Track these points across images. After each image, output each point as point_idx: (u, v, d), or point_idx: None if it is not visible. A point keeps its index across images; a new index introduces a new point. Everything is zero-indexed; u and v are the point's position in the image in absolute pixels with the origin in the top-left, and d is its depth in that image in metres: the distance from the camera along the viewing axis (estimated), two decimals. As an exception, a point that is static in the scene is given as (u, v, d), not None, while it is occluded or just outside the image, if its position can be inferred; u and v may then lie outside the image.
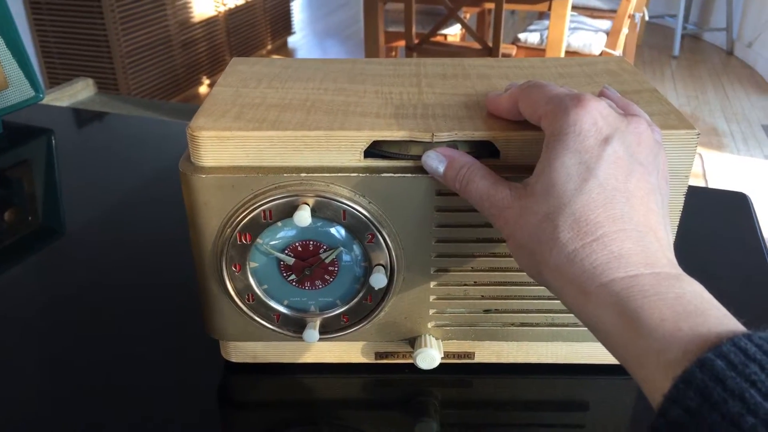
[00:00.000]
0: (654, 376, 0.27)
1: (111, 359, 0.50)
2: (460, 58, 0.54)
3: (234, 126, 0.39)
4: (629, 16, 2.97)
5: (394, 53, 3.11)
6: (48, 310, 0.56)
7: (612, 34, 2.85)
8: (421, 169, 0.39)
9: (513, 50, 2.84)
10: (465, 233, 0.42)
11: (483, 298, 0.44)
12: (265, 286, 0.43)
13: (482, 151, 0.39)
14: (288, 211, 0.39)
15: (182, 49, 3.25)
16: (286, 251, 0.41)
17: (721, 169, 2.71)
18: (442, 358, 0.45)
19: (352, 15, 5.09)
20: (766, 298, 0.56)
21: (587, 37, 2.84)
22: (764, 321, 0.28)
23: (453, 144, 0.39)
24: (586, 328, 0.32)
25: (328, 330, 0.44)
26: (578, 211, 0.32)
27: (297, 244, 0.41)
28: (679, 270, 0.31)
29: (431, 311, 0.44)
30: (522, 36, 2.92)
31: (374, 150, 0.39)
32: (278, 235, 0.41)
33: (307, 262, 0.41)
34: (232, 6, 3.61)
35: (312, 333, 0.43)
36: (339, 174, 0.39)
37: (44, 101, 0.98)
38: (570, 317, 0.44)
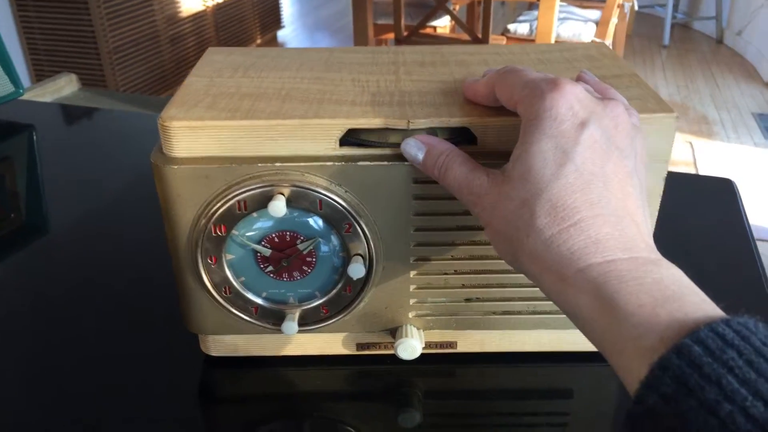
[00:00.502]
0: (632, 363, 0.26)
1: (92, 357, 0.49)
2: (440, 45, 0.54)
3: (207, 116, 0.38)
4: (618, 6, 2.97)
5: (384, 46, 3.10)
6: (29, 308, 0.55)
7: (601, 24, 2.84)
8: (398, 157, 0.38)
9: (503, 41, 2.83)
10: (444, 221, 0.41)
11: (464, 286, 0.43)
12: (243, 279, 0.42)
13: (460, 138, 0.39)
14: (263, 201, 0.38)
15: (170, 45, 3.22)
16: (263, 242, 0.40)
17: (712, 157, 2.71)
18: (424, 348, 0.44)
19: (342, 8, 5.06)
20: (749, 283, 0.56)
21: (576, 27, 2.84)
22: (746, 306, 0.27)
23: (432, 131, 0.38)
24: (566, 316, 0.31)
25: (307, 322, 0.43)
26: (555, 196, 0.31)
27: (273, 235, 0.40)
28: (657, 255, 0.31)
29: (412, 301, 0.44)
30: (512, 27, 2.92)
31: (350, 138, 0.39)
32: (254, 226, 0.40)
33: (284, 254, 0.41)
34: (221, 0, 3.58)
35: (291, 325, 0.42)
36: (314, 163, 0.39)
37: (26, 97, 0.97)
38: (552, 305, 0.44)
